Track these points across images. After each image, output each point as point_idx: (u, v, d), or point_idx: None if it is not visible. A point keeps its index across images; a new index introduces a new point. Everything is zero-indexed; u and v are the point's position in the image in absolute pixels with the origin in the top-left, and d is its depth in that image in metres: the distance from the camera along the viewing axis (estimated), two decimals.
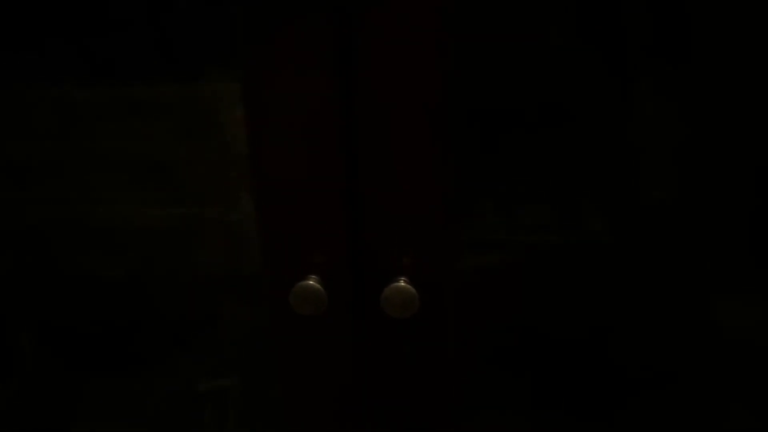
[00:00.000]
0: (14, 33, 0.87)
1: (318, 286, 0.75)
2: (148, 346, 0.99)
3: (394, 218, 0.76)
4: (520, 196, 0.88)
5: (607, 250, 0.87)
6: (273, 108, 0.74)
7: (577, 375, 0.91)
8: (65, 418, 1.01)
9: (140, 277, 0.96)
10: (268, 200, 0.77)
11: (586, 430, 0.91)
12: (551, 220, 0.87)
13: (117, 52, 0.88)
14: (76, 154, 0.92)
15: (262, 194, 0.77)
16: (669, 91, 0.83)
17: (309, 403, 0.85)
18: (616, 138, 0.85)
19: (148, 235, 0.94)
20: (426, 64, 0.71)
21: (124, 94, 0.89)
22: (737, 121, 0.82)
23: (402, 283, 0.74)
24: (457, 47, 0.70)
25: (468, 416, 0.86)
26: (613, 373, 0.91)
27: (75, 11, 0.87)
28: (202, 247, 0.93)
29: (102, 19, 0.87)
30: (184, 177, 0.91)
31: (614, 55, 0.83)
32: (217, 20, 0.85)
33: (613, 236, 0.87)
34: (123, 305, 0.97)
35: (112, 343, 0.99)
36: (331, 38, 0.71)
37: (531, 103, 0.85)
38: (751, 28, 0.79)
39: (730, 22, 0.79)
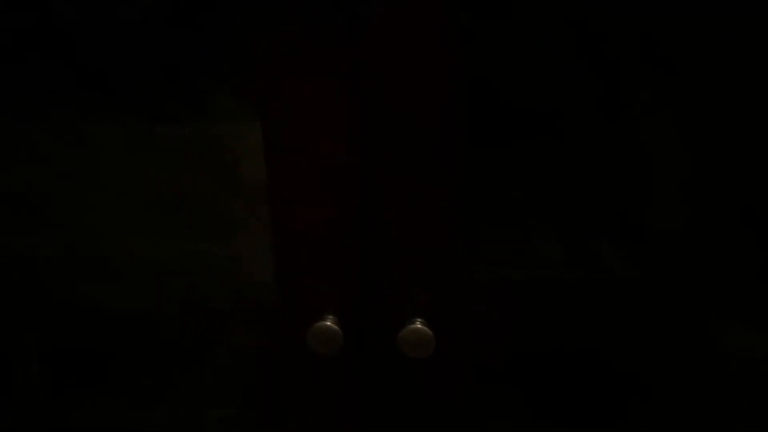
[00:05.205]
0: (26, 63, 0.88)
1: (334, 326, 0.76)
2: (152, 376, 0.99)
3: (411, 259, 0.76)
4: (525, 228, 0.88)
5: (613, 275, 0.87)
6: (291, 149, 0.74)
7: (579, 398, 0.91)
8: None
9: (146, 309, 0.96)
10: (284, 240, 0.78)
11: None
12: (557, 249, 0.87)
13: (130, 85, 0.88)
14: (88, 185, 0.92)
15: (279, 234, 0.78)
16: (674, 118, 0.83)
17: None
18: (622, 166, 0.85)
19: (155, 268, 0.94)
20: (439, 95, 0.72)
21: (138, 128, 0.90)
22: (745, 147, 0.82)
23: (418, 325, 0.75)
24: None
25: None
26: (615, 396, 0.91)
27: (90, 44, 0.87)
28: (210, 281, 0.93)
29: (115, 52, 0.87)
30: (193, 212, 0.91)
31: (612, 82, 0.82)
32: (229, 53, 0.86)
33: (619, 263, 0.87)
34: (127, 335, 0.97)
35: (115, 372, 0.99)
36: (346, 78, 0.72)
37: (527, 117, 0.84)
38: (749, 41, 0.78)
39: (728, 34, 0.78)
